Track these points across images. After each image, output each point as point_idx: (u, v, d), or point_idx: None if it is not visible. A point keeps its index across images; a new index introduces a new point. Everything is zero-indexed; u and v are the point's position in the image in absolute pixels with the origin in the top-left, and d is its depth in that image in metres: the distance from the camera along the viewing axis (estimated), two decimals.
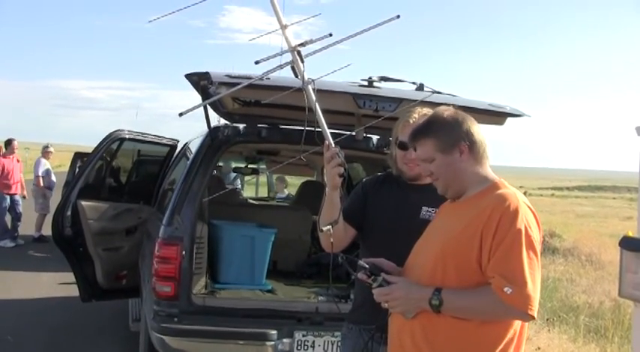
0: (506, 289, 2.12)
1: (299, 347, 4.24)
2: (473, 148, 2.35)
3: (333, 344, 4.23)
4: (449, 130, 2.35)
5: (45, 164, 12.62)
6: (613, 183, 78.35)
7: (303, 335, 4.25)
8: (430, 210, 2.79)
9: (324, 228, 2.64)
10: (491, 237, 2.17)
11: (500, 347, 2.25)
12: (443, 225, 2.42)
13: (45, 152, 12.89)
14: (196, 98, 4.06)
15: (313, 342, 4.25)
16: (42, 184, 12.42)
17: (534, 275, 2.16)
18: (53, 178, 12.62)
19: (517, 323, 2.29)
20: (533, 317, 2.18)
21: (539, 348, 6.09)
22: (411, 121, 2.82)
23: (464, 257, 2.23)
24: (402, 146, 2.86)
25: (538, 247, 2.22)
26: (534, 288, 2.15)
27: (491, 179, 2.37)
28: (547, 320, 7.56)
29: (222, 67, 3.58)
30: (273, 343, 4.20)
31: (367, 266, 2.37)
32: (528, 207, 2.27)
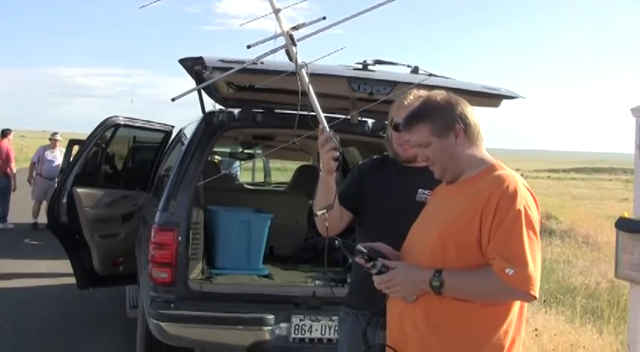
0: (507, 270, 2.12)
1: (296, 332, 4.24)
2: (468, 131, 2.34)
3: (330, 329, 4.23)
4: (443, 114, 2.34)
5: (42, 153, 12.48)
6: (609, 165, 78.55)
7: (301, 320, 4.25)
8: (426, 192, 2.78)
9: (319, 212, 2.63)
10: (491, 218, 2.17)
11: (503, 327, 2.25)
12: (440, 207, 2.40)
13: (51, 140, 12.74)
14: (192, 84, 4.04)
15: (310, 327, 4.25)
16: (33, 172, 12.44)
17: (535, 256, 2.16)
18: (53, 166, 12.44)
19: (517, 304, 2.29)
20: (535, 298, 2.18)
21: (536, 329, 6.10)
22: (406, 103, 2.80)
23: (464, 239, 2.22)
24: (397, 127, 2.84)
25: (537, 227, 2.22)
26: (535, 269, 2.15)
27: (488, 161, 2.36)
28: (544, 301, 7.58)
29: (219, 53, 3.57)
30: (270, 328, 4.20)
31: (365, 250, 2.33)
32: (527, 187, 2.26)
